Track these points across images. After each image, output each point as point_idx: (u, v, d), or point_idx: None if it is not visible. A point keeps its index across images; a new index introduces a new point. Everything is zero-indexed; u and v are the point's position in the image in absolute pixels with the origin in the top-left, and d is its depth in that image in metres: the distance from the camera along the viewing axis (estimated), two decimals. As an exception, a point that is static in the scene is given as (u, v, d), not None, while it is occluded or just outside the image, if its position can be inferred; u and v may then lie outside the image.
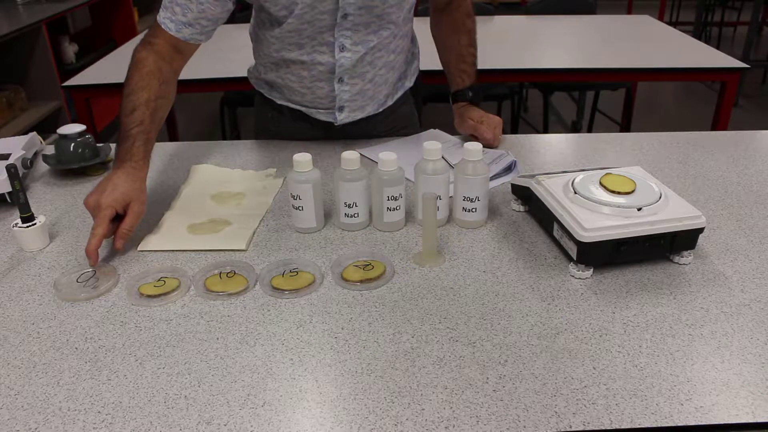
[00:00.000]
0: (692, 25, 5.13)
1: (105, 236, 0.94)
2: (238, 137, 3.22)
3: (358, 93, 1.28)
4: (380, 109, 1.35)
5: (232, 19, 1.36)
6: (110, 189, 0.97)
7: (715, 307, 0.82)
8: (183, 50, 1.14)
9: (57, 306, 0.86)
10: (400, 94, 1.39)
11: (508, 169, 1.21)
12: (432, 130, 1.43)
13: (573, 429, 0.64)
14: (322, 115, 1.33)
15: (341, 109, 1.30)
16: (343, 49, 1.20)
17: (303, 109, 1.33)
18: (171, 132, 3.36)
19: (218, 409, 0.68)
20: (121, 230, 0.96)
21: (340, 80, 1.25)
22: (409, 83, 1.41)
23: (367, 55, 1.23)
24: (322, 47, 1.20)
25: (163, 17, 1.11)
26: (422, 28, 1.41)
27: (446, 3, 1.33)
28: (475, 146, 0.98)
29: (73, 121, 1.32)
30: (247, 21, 1.33)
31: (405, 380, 0.71)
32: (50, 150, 1.31)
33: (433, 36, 1.40)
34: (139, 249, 0.98)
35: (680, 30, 2.69)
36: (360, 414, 0.67)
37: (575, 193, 0.92)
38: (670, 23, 4.51)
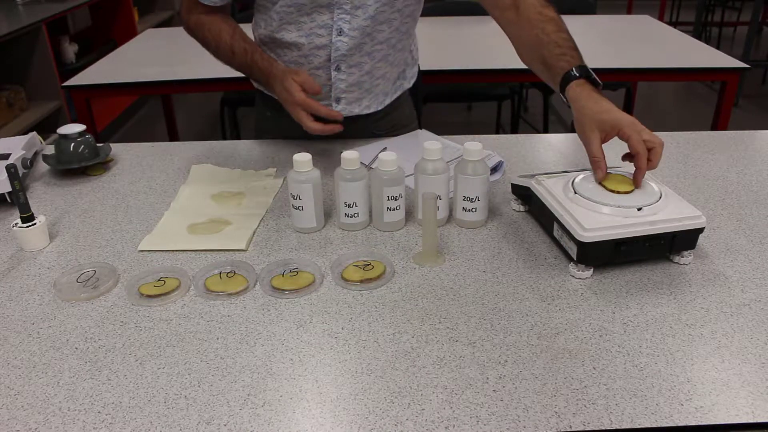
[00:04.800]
0: (692, 25, 5.13)
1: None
2: (238, 137, 3.21)
3: (355, 84, 1.28)
4: (379, 108, 1.35)
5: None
6: (288, 92, 1.12)
7: (715, 307, 0.82)
8: (219, 9, 1.24)
9: (57, 306, 0.86)
10: (398, 94, 1.38)
11: (494, 170, 1.21)
12: (419, 130, 1.42)
13: (573, 429, 0.64)
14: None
15: (338, 100, 1.30)
16: (340, 33, 1.19)
17: None
18: (171, 132, 3.36)
19: (218, 409, 0.68)
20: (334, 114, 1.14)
21: (338, 68, 1.25)
22: (408, 84, 1.40)
23: (366, 45, 1.22)
24: (321, 30, 1.20)
25: None
26: (420, 28, 1.41)
27: (510, 3, 1.14)
28: (475, 146, 0.98)
29: (73, 121, 1.32)
30: (247, 21, 1.33)
31: (405, 380, 0.71)
32: (50, 150, 1.31)
33: (512, 40, 1.20)
34: (139, 249, 0.98)
35: (680, 30, 2.69)
36: (360, 414, 0.67)
37: (575, 193, 0.92)
38: (670, 23, 4.51)
